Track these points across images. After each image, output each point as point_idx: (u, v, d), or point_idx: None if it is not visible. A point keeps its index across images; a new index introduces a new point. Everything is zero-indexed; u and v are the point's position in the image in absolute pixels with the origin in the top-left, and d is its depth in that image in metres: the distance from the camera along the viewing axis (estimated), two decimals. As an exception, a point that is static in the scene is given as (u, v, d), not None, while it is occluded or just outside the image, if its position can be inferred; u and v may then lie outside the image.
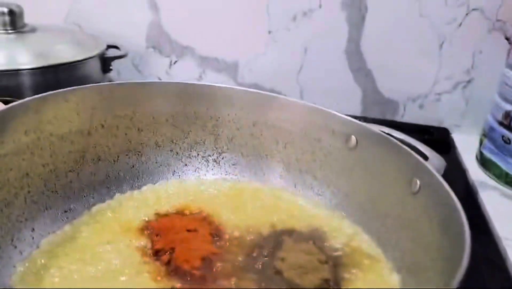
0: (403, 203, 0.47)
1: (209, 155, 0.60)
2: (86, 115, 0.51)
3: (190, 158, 0.60)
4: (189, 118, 0.58)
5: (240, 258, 0.46)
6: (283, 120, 0.58)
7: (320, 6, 0.82)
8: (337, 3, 0.81)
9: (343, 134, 0.54)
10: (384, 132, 0.51)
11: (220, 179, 0.60)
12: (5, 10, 0.70)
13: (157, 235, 0.48)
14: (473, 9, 0.78)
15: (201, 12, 0.85)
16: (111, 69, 0.78)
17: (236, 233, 0.49)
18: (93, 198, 0.52)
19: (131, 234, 0.48)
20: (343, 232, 0.51)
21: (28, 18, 0.74)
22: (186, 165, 0.60)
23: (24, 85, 0.65)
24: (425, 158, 0.48)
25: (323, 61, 0.85)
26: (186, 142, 0.59)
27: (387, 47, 0.83)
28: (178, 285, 0.42)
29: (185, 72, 0.89)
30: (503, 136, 0.68)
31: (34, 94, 0.47)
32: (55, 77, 0.66)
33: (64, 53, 0.70)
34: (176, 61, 0.89)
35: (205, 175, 0.60)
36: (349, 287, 0.43)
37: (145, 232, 0.49)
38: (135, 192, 0.55)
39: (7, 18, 0.70)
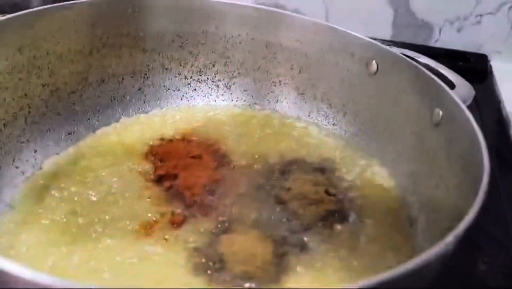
0: (422, 134, 0.43)
1: (219, 80, 0.57)
2: (85, 33, 0.48)
3: (199, 82, 0.57)
4: (197, 38, 0.54)
5: (243, 187, 0.44)
6: (298, 42, 0.53)
7: None
8: None
9: (363, 58, 0.49)
10: (409, 56, 0.46)
11: (231, 105, 0.57)
12: None
13: (160, 160, 0.47)
14: None
15: None
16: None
17: (242, 161, 0.47)
18: (98, 120, 0.51)
19: (134, 158, 0.47)
20: (356, 163, 0.48)
21: None
22: (195, 89, 0.57)
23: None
24: (452, 85, 0.43)
25: (352, -23, 0.77)
26: (195, 65, 0.56)
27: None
28: (178, 210, 0.41)
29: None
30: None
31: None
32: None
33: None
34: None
35: (215, 100, 0.57)
36: (355, 220, 0.41)
37: (149, 157, 0.47)
38: (142, 116, 0.54)
39: None
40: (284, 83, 0.56)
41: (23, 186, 0.42)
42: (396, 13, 0.79)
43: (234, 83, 0.57)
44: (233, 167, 0.46)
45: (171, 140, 0.50)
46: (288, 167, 0.47)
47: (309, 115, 0.55)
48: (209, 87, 0.57)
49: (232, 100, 0.57)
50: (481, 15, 0.77)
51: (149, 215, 0.40)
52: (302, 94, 0.55)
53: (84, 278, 0.34)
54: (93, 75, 0.51)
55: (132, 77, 0.54)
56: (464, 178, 0.36)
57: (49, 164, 0.45)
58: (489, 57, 0.78)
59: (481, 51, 0.78)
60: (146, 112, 0.54)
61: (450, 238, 0.24)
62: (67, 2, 0.46)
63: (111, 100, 0.52)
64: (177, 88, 0.56)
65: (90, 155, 0.47)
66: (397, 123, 0.47)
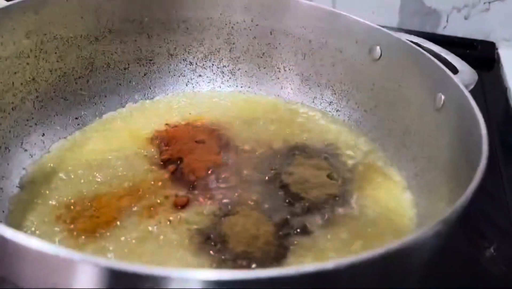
0: (424, 119, 0.43)
1: (224, 66, 0.57)
2: (90, 18, 0.49)
3: (204, 68, 0.57)
4: (202, 24, 0.55)
5: (246, 171, 0.45)
6: (302, 28, 0.53)
7: None
8: None
9: (367, 44, 0.49)
10: (413, 42, 0.46)
11: (236, 91, 0.57)
12: None
13: (165, 145, 0.47)
14: None
15: None
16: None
17: (246, 146, 0.48)
18: (104, 106, 0.52)
19: (140, 143, 0.48)
20: (359, 148, 0.49)
21: None
22: (200, 75, 0.57)
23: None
24: (455, 70, 0.43)
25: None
26: (200, 51, 0.56)
27: None
28: (182, 193, 0.42)
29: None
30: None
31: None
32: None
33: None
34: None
35: (220, 86, 0.57)
36: (356, 204, 0.41)
37: (154, 142, 0.48)
38: (147, 102, 0.54)
39: None
40: (289, 70, 0.56)
41: (31, 168, 0.43)
42: (403, 0, 0.79)
43: (239, 69, 0.57)
44: (236, 152, 0.47)
45: (176, 126, 0.50)
46: (291, 152, 0.47)
47: (313, 102, 0.55)
48: (214, 73, 0.57)
49: (237, 86, 0.57)
50: (489, 2, 0.76)
51: (154, 197, 0.41)
52: (306, 80, 0.55)
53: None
54: (99, 61, 0.51)
55: (137, 63, 0.54)
56: (465, 163, 0.36)
57: (56, 147, 0.46)
58: (497, 45, 0.77)
59: (489, 39, 0.78)
60: (152, 98, 0.55)
61: (445, 216, 0.25)
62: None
63: (117, 86, 0.53)
64: (182, 74, 0.57)
65: (97, 139, 0.48)
66: (399, 109, 0.47)
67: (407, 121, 0.46)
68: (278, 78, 0.57)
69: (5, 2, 0.41)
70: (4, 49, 0.42)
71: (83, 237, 0.37)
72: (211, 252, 0.36)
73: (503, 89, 0.68)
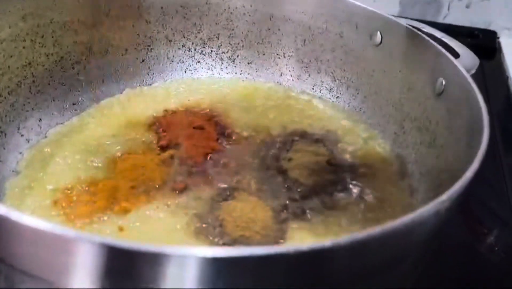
0: (425, 105, 0.43)
1: (224, 52, 0.57)
2: (88, 3, 0.48)
3: (203, 54, 0.57)
4: (200, 10, 0.54)
5: (245, 157, 0.44)
6: (302, 13, 0.52)
7: None
8: None
9: (368, 29, 0.49)
10: (413, 27, 0.45)
11: (235, 78, 0.57)
12: None
13: (163, 131, 0.47)
14: None
15: None
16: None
17: (244, 133, 0.48)
18: (102, 91, 0.51)
19: (137, 129, 0.47)
20: (358, 135, 0.48)
21: None
22: (199, 62, 0.57)
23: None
24: (456, 55, 0.42)
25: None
26: (199, 37, 0.56)
27: None
28: (179, 178, 0.41)
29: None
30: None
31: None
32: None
33: None
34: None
35: (219, 73, 0.57)
36: (355, 190, 0.41)
37: (152, 128, 0.48)
38: (145, 88, 0.54)
39: None
40: (288, 56, 0.55)
41: (28, 153, 0.43)
42: (404, -12, 0.78)
43: (238, 56, 0.57)
44: (235, 138, 0.47)
45: (174, 112, 0.50)
46: (290, 138, 0.47)
47: (313, 88, 0.54)
48: (213, 60, 0.57)
49: (236, 73, 0.57)
50: (491, -10, 0.75)
51: (151, 182, 0.41)
52: (306, 67, 0.55)
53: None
54: (97, 46, 0.51)
55: (135, 48, 0.54)
56: (465, 147, 0.36)
57: (53, 132, 0.46)
58: (498, 34, 0.77)
59: (491, 28, 0.77)
60: (150, 85, 0.54)
61: (444, 197, 0.24)
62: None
63: (115, 72, 0.53)
64: (181, 61, 0.56)
65: (94, 124, 0.48)
66: (400, 95, 0.46)
67: (407, 107, 0.46)
68: (278, 65, 0.56)
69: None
70: (1, 32, 0.41)
71: (80, 221, 0.37)
72: (209, 236, 0.36)
73: (504, 78, 0.68)
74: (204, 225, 0.37)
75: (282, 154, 0.45)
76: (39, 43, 0.45)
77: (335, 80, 0.53)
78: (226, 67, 0.57)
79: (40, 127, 0.45)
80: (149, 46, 0.54)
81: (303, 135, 0.48)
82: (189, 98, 0.52)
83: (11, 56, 0.43)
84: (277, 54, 0.56)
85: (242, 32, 0.55)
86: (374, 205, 0.40)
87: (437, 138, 0.40)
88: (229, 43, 0.56)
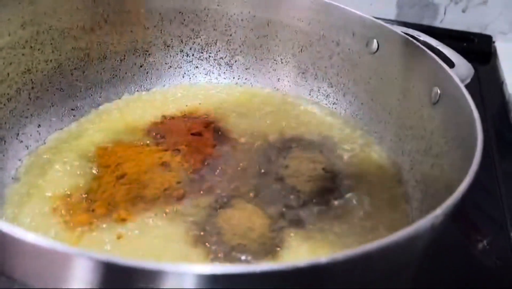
0: (421, 113, 0.43)
1: (221, 57, 0.57)
2: (86, 9, 0.48)
3: (201, 59, 0.57)
4: (199, 16, 0.54)
5: (242, 163, 0.45)
6: (299, 20, 0.53)
7: None
8: None
9: (364, 37, 0.49)
10: (410, 35, 0.46)
11: (232, 84, 0.57)
12: None
13: (161, 137, 0.47)
14: None
15: None
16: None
17: (242, 139, 0.48)
18: (100, 97, 0.52)
19: (136, 134, 0.48)
20: (355, 142, 0.49)
21: None
22: (197, 67, 0.57)
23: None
24: (452, 64, 0.43)
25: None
26: (197, 43, 0.56)
27: None
28: (178, 186, 0.42)
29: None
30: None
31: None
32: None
33: None
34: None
35: (216, 78, 0.57)
36: (351, 197, 0.41)
37: (151, 133, 0.48)
38: (143, 93, 0.54)
39: None
40: (286, 62, 0.56)
41: (27, 160, 0.43)
42: (401, -8, 0.79)
43: (235, 61, 0.57)
44: (233, 144, 0.47)
45: (172, 118, 0.50)
46: (287, 145, 0.48)
47: (309, 94, 0.55)
48: (211, 65, 0.57)
49: (233, 78, 0.57)
50: (487, -5, 0.76)
51: (150, 189, 0.41)
52: (303, 73, 0.55)
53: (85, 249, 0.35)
54: (95, 52, 0.51)
55: (133, 54, 0.54)
56: (460, 157, 0.36)
57: (52, 138, 0.46)
58: (494, 38, 0.77)
59: (486, 32, 0.78)
60: (148, 90, 0.55)
61: (438, 211, 0.25)
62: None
63: (113, 77, 0.53)
64: (179, 66, 0.56)
65: (93, 130, 0.48)
66: (396, 103, 0.47)
67: (403, 115, 0.46)
68: (275, 70, 0.56)
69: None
70: (0, 40, 0.41)
71: (79, 228, 0.37)
72: (206, 244, 0.37)
73: (499, 82, 0.68)
74: (202, 233, 0.37)
75: (279, 160, 0.45)
76: (38, 50, 0.46)
77: (332, 87, 0.54)
78: (224, 73, 0.57)
79: (39, 134, 0.46)
80: (147, 51, 0.55)
81: (300, 141, 0.48)
82: (187, 104, 0.53)
83: (10, 64, 0.43)
84: (275, 60, 0.56)
85: (240, 38, 0.56)
86: (370, 213, 0.41)
87: (432, 147, 0.41)
88: (227, 49, 0.57)
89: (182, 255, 0.36)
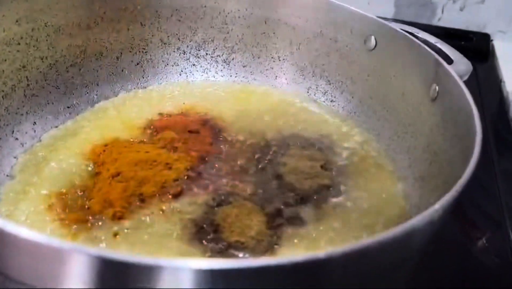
0: (419, 110, 0.43)
1: (219, 55, 0.57)
2: (83, 6, 0.48)
3: (198, 57, 0.57)
4: (196, 13, 0.54)
5: (240, 161, 0.44)
6: (297, 18, 0.53)
7: None
8: None
9: (362, 34, 0.49)
10: (408, 32, 0.45)
11: (230, 81, 0.57)
12: None
13: (158, 134, 0.47)
14: None
15: None
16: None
17: (240, 136, 0.48)
18: (97, 94, 0.51)
19: (132, 132, 0.47)
20: (353, 139, 0.49)
21: None
22: (194, 64, 0.57)
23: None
24: (450, 61, 0.43)
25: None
26: (194, 40, 0.56)
27: None
28: (174, 183, 0.41)
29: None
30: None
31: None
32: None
33: None
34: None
35: (214, 76, 0.57)
36: (349, 194, 0.41)
37: (147, 131, 0.48)
38: (140, 91, 0.54)
39: None
40: (283, 59, 0.55)
41: (22, 157, 0.43)
42: (399, -9, 0.79)
43: (233, 59, 0.57)
44: (230, 142, 0.47)
45: (169, 115, 0.50)
46: (285, 143, 0.47)
47: (307, 92, 0.55)
48: (208, 63, 0.57)
49: (231, 76, 0.57)
50: (485, -7, 0.76)
51: (146, 186, 0.41)
52: (301, 70, 0.55)
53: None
54: (92, 49, 0.51)
55: (130, 51, 0.54)
56: (458, 154, 0.36)
57: (48, 136, 0.46)
58: (492, 37, 0.77)
59: (485, 31, 0.78)
60: (145, 88, 0.54)
61: (437, 206, 0.25)
62: (64, -26, 0.46)
63: (110, 75, 0.52)
64: (176, 64, 0.56)
65: (89, 128, 0.47)
66: (394, 100, 0.47)
67: (402, 112, 0.46)
68: (273, 68, 0.56)
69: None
70: (-6, 36, 0.41)
71: (74, 226, 0.37)
72: (204, 241, 0.36)
73: (497, 81, 0.68)
74: (198, 231, 0.37)
75: (277, 158, 0.45)
76: (34, 46, 0.45)
77: (330, 84, 0.53)
78: (221, 70, 0.57)
79: (35, 131, 0.45)
80: (144, 49, 0.54)
81: (298, 139, 0.48)
82: (184, 101, 0.52)
83: (5, 60, 0.43)
84: (272, 57, 0.56)
85: (237, 35, 0.56)
86: (368, 210, 0.40)
87: (431, 144, 0.41)
88: (224, 46, 0.56)
89: (179, 252, 0.35)
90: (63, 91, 0.49)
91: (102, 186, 0.40)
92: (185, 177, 0.42)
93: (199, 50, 0.56)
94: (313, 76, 0.54)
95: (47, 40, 0.46)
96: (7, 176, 0.41)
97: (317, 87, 0.54)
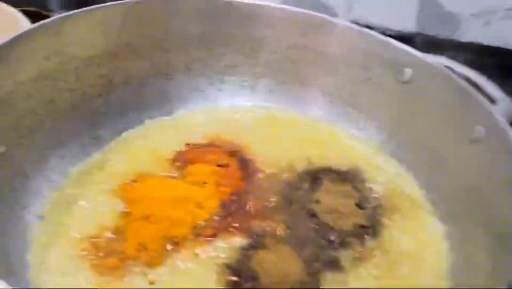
0: (459, 150, 0.42)
1: (245, 80, 0.55)
2: (111, 36, 0.47)
3: (223, 82, 0.55)
4: (223, 39, 0.53)
5: (272, 198, 0.43)
6: (327, 45, 0.51)
7: None
8: None
9: (396, 65, 0.47)
10: (445, 65, 0.44)
11: (256, 107, 0.55)
12: None
13: (187, 168, 0.46)
14: None
15: None
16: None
17: (270, 170, 0.47)
18: (123, 123, 0.50)
19: (161, 165, 0.46)
20: (385, 171, 0.47)
21: None
22: (220, 90, 0.55)
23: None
24: (492, 100, 0.41)
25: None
26: (220, 65, 0.54)
27: None
28: (207, 223, 0.40)
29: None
30: None
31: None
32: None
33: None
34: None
35: (239, 101, 0.56)
36: (387, 236, 0.40)
37: (175, 164, 0.47)
38: (166, 118, 0.53)
39: None
40: (312, 86, 0.54)
41: (51, 196, 0.42)
42: (422, 4, 0.77)
43: (259, 84, 0.55)
44: (260, 176, 0.46)
45: (196, 146, 0.49)
46: (317, 176, 0.46)
47: (336, 119, 0.53)
48: (234, 88, 0.56)
49: (257, 101, 0.56)
50: (511, 9, 0.74)
51: (179, 227, 0.40)
52: (329, 97, 0.54)
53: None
54: (118, 77, 0.50)
55: (155, 78, 0.52)
56: (501, 199, 0.35)
57: (75, 171, 0.45)
58: (517, 53, 0.75)
59: (510, 47, 0.76)
60: (170, 114, 0.53)
61: None
62: (95, 6, 0.44)
63: (135, 103, 0.51)
64: (201, 89, 0.55)
65: (116, 160, 0.46)
66: (430, 136, 0.45)
67: (436, 148, 0.45)
68: (300, 94, 0.55)
69: (29, 24, 0.39)
70: (24, 73, 0.40)
71: (108, 273, 0.36)
72: (241, 289, 0.35)
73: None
74: (235, 278, 0.36)
75: (310, 195, 0.44)
76: (62, 79, 0.44)
77: (360, 112, 0.52)
78: (248, 95, 0.56)
79: (62, 166, 0.44)
80: (169, 75, 0.53)
81: (329, 172, 0.47)
82: (210, 129, 0.51)
83: (33, 96, 0.42)
84: (299, 83, 0.55)
85: (264, 61, 0.54)
86: (407, 253, 0.39)
87: (470, 185, 0.39)
88: (251, 72, 0.55)
89: (217, 301, 0.34)
90: (90, 122, 0.48)
91: (134, 228, 0.39)
92: (218, 217, 0.41)
93: (225, 75, 0.55)
94: (341, 103, 0.53)
95: (75, 72, 0.45)
96: (37, 217, 0.40)
97: (346, 115, 0.53)
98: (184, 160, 0.47)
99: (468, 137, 0.40)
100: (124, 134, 0.50)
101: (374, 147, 0.50)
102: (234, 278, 0.36)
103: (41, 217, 0.40)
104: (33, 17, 0.53)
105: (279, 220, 0.41)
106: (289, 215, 0.42)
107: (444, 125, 0.43)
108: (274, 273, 0.36)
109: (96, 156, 0.47)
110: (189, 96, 0.54)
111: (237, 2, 0.51)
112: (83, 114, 0.47)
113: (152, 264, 0.37)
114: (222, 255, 0.38)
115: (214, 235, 0.39)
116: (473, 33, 0.77)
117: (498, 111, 0.38)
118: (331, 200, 0.43)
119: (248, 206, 0.42)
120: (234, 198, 0.43)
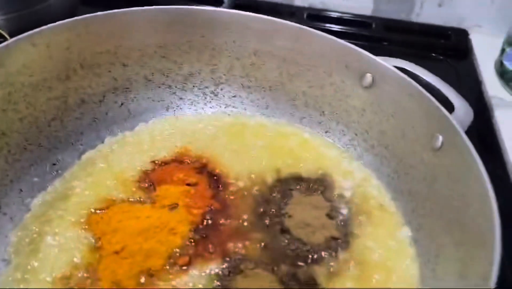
0: (421, 155, 0.43)
1: (206, 87, 0.54)
2: (60, 57, 0.44)
3: (184, 90, 0.54)
4: (181, 48, 0.51)
5: (244, 215, 0.43)
6: (289, 50, 0.50)
7: None
8: None
9: (357, 70, 0.47)
10: (407, 70, 0.44)
11: (220, 113, 0.54)
12: None
13: (155, 190, 0.45)
14: None
15: None
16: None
17: (240, 183, 0.46)
18: (82, 144, 0.48)
19: (127, 189, 0.45)
20: (353, 176, 0.48)
21: None
22: (181, 98, 0.54)
23: None
24: (451, 107, 0.42)
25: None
26: (180, 74, 0.53)
27: None
28: (181, 250, 0.40)
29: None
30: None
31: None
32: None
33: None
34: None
35: (202, 108, 0.54)
36: (358, 246, 0.41)
37: (142, 185, 0.45)
38: (127, 134, 0.51)
39: None
40: (274, 90, 0.53)
41: (14, 235, 0.40)
42: (378, -13, 0.77)
43: (221, 90, 0.54)
44: (231, 192, 0.45)
45: (163, 164, 0.48)
46: (287, 187, 0.46)
47: (301, 122, 0.53)
48: (196, 95, 0.54)
49: (220, 107, 0.55)
50: (463, -11, 0.75)
51: (153, 258, 0.39)
52: (293, 100, 0.53)
53: None
54: (72, 98, 0.47)
55: (113, 93, 0.50)
56: (464, 206, 0.37)
57: (37, 203, 0.43)
58: (469, 31, 0.77)
59: (462, 26, 0.77)
60: (132, 129, 0.51)
61: None
62: (37, 30, 0.41)
63: (94, 121, 0.49)
64: (162, 99, 0.53)
65: (80, 188, 0.45)
66: (393, 139, 0.46)
67: (401, 153, 0.46)
68: (264, 98, 0.54)
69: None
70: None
71: (85, 316, 0.35)
72: (222, 318, 0.36)
73: (478, 82, 0.69)
74: (216, 307, 0.37)
75: (282, 208, 0.44)
76: (12, 110, 0.42)
77: (323, 115, 0.52)
78: (210, 102, 0.55)
79: (22, 200, 0.42)
80: (127, 88, 0.51)
81: (300, 181, 0.47)
82: (176, 143, 0.50)
83: (-18, 134, 0.39)
84: (263, 87, 0.54)
85: (225, 67, 0.53)
86: (378, 263, 0.41)
87: (433, 190, 0.41)
88: (211, 78, 0.54)
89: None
90: (47, 148, 0.46)
91: (107, 264, 0.38)
92: (191, 242, 0.41)
93: (186, 83, 0.54)
94: (306, 107, 0.53)
95: (25, 99, 0.43)
96: (3, 260, 0.38)
97: (310, 118, 0.53)
98: (150, 180, 0.46)
99: (430, 143, 0.41)
100: (84, 156, 0.48)
101: (340, 149, 0.51)
102: (214, 308, 0.36)
103: (6, 261, 0.38)
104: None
105: (254, 238, 0.41)
106: (263, 232, 0.42)
107: (406, 130, 0.44)
108: (253, 299, 0.37)
109: (58, 185, 0.45)
110: (149, 107, 0.53)
111: (192, 9, 0.49)
112: (38, 141, 0.45)
113: (129, 301, 0.36)
114: (200, 284, 0.38)
115: (189, 263, 0.39)
116: (428, 13, 0.78)
117: (455, 118, 0.39)
118: (302, 213, 0.44)
119: (220, 226, 0.42)
120: (206, 218, 0.43)
